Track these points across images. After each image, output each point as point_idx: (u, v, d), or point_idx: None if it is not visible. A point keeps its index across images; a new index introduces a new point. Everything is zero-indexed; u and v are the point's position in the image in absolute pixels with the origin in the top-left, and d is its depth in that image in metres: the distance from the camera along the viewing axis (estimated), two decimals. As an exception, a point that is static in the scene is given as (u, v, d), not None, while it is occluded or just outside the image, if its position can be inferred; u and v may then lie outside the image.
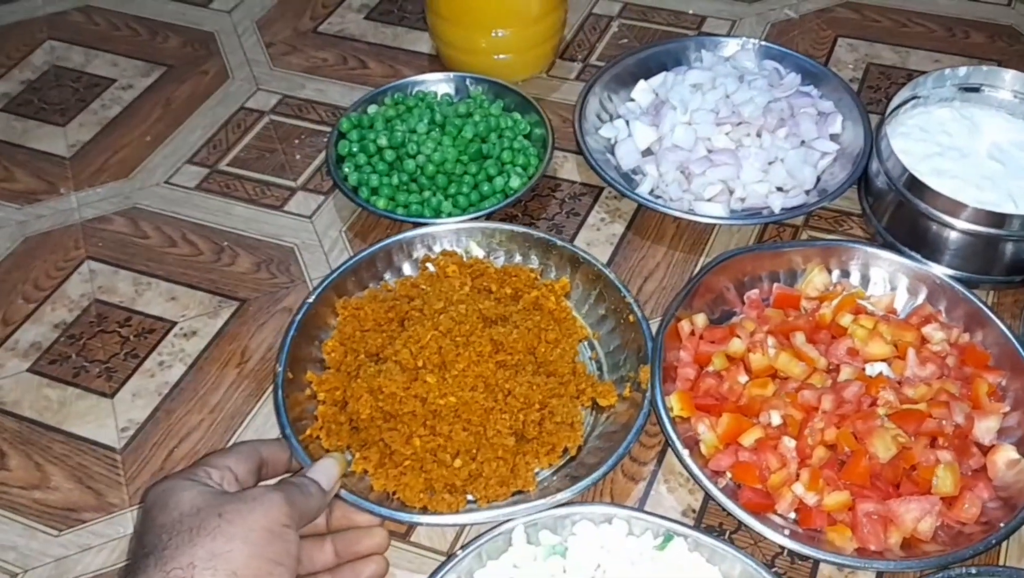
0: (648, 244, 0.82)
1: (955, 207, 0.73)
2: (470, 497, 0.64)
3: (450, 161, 0.83)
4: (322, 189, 0.87)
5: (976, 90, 0.83)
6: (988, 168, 0.78)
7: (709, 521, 0.65)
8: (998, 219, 0.72)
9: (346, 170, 0.84)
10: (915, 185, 0.75)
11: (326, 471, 0.60)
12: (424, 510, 0.63)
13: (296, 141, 0.92)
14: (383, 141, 0.84)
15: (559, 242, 0.77)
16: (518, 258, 0.78)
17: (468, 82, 0.92)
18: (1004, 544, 0.63)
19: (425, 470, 0.64)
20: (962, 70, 0.83)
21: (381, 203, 0.81)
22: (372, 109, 0.89)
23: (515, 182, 0.83)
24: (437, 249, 0.78)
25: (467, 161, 0.84)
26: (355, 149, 0.85)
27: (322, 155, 0.90)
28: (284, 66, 1.01)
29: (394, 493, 0.64)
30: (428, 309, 0.70)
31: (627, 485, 0.67)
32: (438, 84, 0.92)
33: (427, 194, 0.82)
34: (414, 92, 0.91)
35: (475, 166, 0.83)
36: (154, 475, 0.68)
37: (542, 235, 0.77)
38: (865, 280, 0.76)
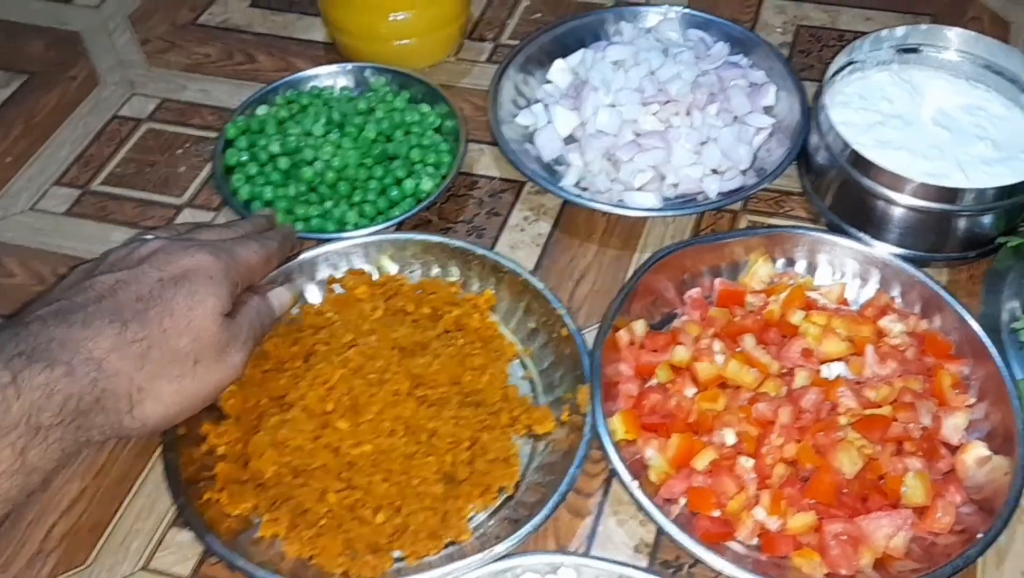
0: (578, 242, 0.75)
1: (903, 183, 0.67)
2: (397, 554, 0.57)
3: (352, 166, 0.74)
4: (211, 205, 0.78)
5: (915, 51, 0.78)
6: (934, 135, 0.73)
7: (665, 556, 0.58)
8: (950, 194, 0.67)
9: (236, 182, 0.75)
10: (859, 161, 0.69)
11: (279, 296, 0.63)
12: (345, 575, 0.56)
13: (179, 151, 0.82)
14: (275, 147, 0.75)
15: (479, 251, 0.69)
16: (436, 271, 0.70)
17: (368, 73, 0.83)
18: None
19: (344, 529, 0.56)
20: (900, 30, 0.77)
21: (277, 218, 0.72)
22: (262, 110, 0.80)
23: (427, 184, 0.75)
24: (344, 267, 0.70)
25: (372, 164, 0.75)
26: (244, 158, 0.76)
27: (209, 166, 0.80)
28: (162, 65, 0.91)
29: (310, 558, 0.56)
30: (336, 342, 0.62)
31: (572, 522, 0.60)
32: (335, 77, 0.83)
33: (329, 205, 0.73)
34: (308, 88, 0.82)
35: (381, 169, 0.75)
36: (32, 559, 0.59)
37: (460, 244, 0.70)
38: (812, 267, 0.70)
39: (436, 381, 0.60)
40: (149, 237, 0.58)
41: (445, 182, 0.75)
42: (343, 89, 0.83)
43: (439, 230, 0.76)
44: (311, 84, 0.82)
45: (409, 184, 0.74)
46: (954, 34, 0.76)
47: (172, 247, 0.55)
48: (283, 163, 0.75)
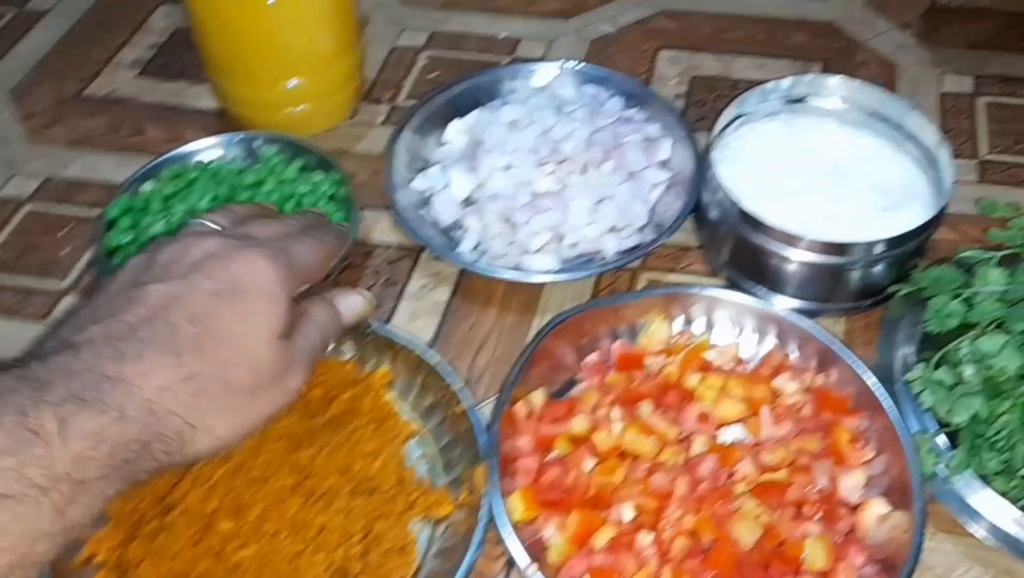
0: (478, 309, 0.74)
1: (794, 239, 0.68)
2: (290, 659, 0.54)
3: (239, 244, 0.72)
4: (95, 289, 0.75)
5: (802, 100, 0.79)
6: (823, 186, 0.73)
7: (569, 638, 0.57)
8: (840, 248, 0.67)
9: (119, 265, 0.72)
10: (749, 218, 0.69)
11: (351, 305, 0.58)
12: None
13: (61, 233, 0.79)
14: (159, 227, 0.73)
15: (372, 325, 0.67)
16: (329, 349, 0.68)
17: (258, 143, 0.81)
18: (885, 611, 0.58)
19: (232, 639, 0.54)
20: (785, 82, 0.77)
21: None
22: (147, 187, 0.78)
23: (328, 259, 0.73)
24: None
25: (260, 240, 0.73)
26: (126, 240, 0.73)
27: (93, 248, 0.77)
28: (46, 141, 0.87)
29: (196, 672, 0.54)
30: (218, 437, 0.59)
31: (474, 608, 0.58)
32: (223, 148, 0.81)
33: (217, 285, 0.71)
34: (196, 161, 0.80)
35: (270, 245, 0.73)
36: None
37: (352, 319, 0.68)
38: (710, 325, 0.69)
39: (324, 472, 0.58)
40: (205, 225, 0.53)
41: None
42: (233, 160, 0.81)
43: (335, 303, 0.74)
44: (198, 157, 0.80)
45: (300, 259, 0.72)
46: (838, 83, 0.77)
47: (227, 249, 0.50)
48: (168, 243, 0.72)
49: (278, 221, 0.57)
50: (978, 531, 0.59)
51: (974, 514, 0.59)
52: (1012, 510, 0.59)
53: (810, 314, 0.70)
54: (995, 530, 0.59)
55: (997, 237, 0.65)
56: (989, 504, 0.59)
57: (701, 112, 0.89)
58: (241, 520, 0.55)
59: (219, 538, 0.55)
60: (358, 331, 0.67)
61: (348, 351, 0.68)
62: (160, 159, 0.79)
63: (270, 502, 0.55)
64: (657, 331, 0.69)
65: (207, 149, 0.81)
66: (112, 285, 0.49)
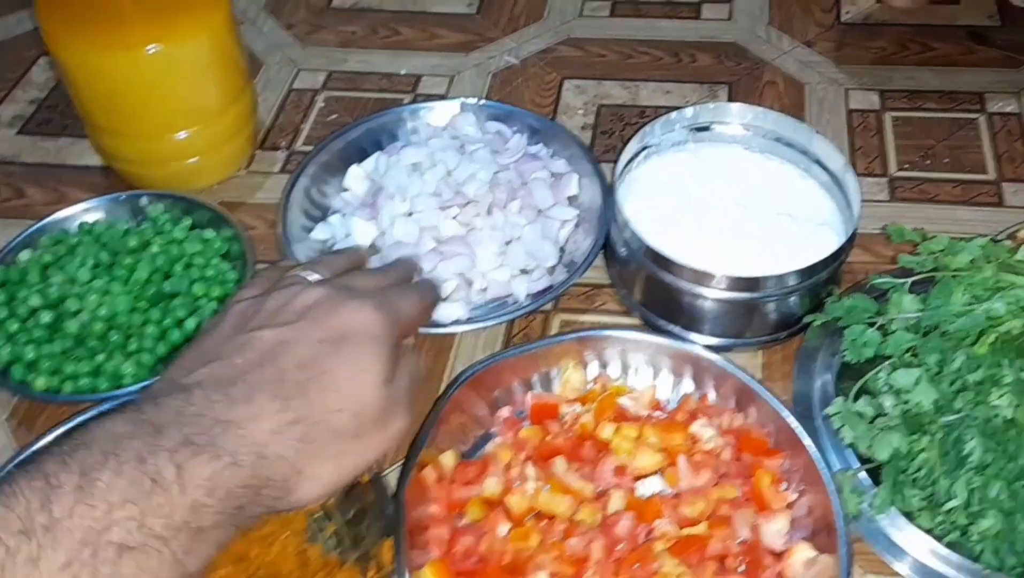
0: (384, 364, 0.70)
1: (704, 277, 0.66)
2: None
3: (122, 313, 0.67)
4: (-29, 370, 0.70)
5: (707, 128, 0.77)
6: (733, 216, 0.72)
7: None
8: (752, 283, 0.65)
9: (-5, 345, 0.67)
10: (656, 256, 0.67)
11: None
12: None
13: (-68, 311, 0.74)
14: (36, 300, 0.68)
15: (269, 394, 0.63)
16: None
17: (144, 201, 0.77)
18: (817, 662, 0.55)
19: None
20: (689, 111, 0.76)
21: (40, 382, 0.65)
22: (25, 256, 0.73)
23: (212, 322, 0.69)
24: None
25: (147, 307, 0.69)
26: (3, 314, 0.68)
27: (-32, 324, 0.72)
28: (-83, 213, 0.82)
29: None
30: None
31: None
32: (107, 209, 0.76)
33: (101, 358, 0.66)
34: (78, 225, 0.75)
35: (158, 312, 0.69)
36: None
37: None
38: (625, 368, 0.67)
39: (216, 564, 0.53)
40: (309, 277, 0.53)
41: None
42: (118, 221, 0.76)
43: (233, 368, 0.70)
44: (80, 220, 0.75)
45: (191, 323, 0.68)
46: (742, 109, 0.76)
47: (334, 298, 0.50)
48: (46, 317, 0.67)
49: (375, 274, 0.57)
50: (903, 569, 0.58)
51: (900, 553, 0.58)
52: (937, 546, 0.57)
53: (727, 350, 0.68)
54: (921, 568, 0.57)
55: (907, 263, 0.64)
56: (914, 542, 0.58)
57: (610, 142, 0.87)
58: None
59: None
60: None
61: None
62: (38, 225, 0.75)
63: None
64: (572, 378, 0.66)
65: (90, 211, 0.76)
66: (217, 330, 0.50)
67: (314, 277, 0.53)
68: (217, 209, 0.76)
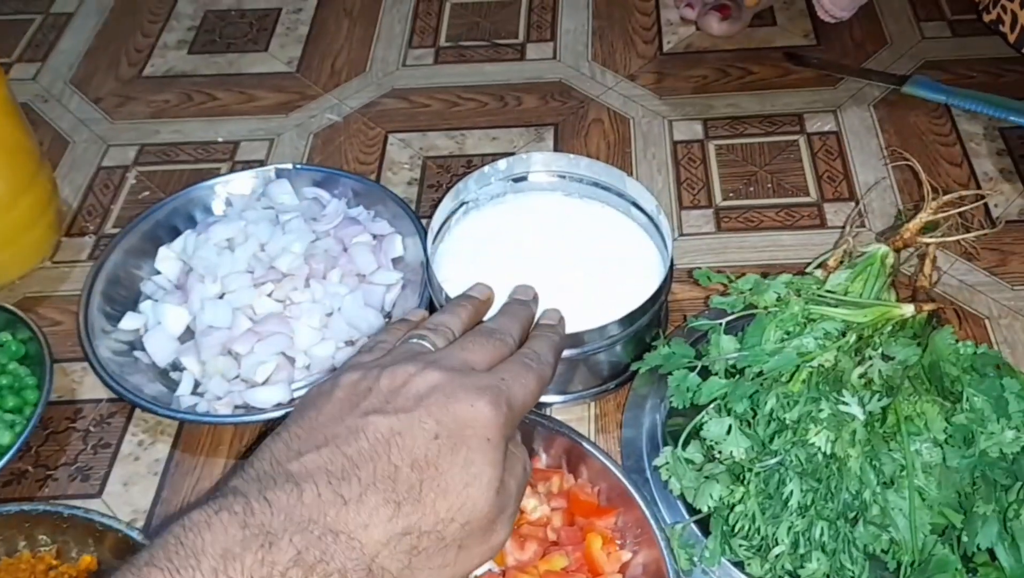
0: (202, 460, 0.66)
1: (521, 335, 0.64)
2: None
3: (-101, 441, 0.62)
4: None
5: (524, 179, 0.76)
6: (554, 266, 0.70)
7: None
8: (574, 339, 0.64)
9: None
10: (476, 318, 0.65)
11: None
12: None
13: None
14: None
15: (66, 512, 0.58)
16: (23, 544, 0.59)
17: (-70, 308, 0.71)
18: None
19: None
20: (502, 163, 0.74)
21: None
22: None
23: (5, 437, 0.64)
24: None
25: (-69, 428, 0.63)
26: None
27: None
28: None
29: None
30: None
31: None
32: None
33: None
34: None
35: (-56, 431, 0.63)
36: None
37: (44, 508, 0.59)
38: (455, 437, 0.65)
39: None
40: (428, 343, 0.51)
41: (28, 428, 0.64)
42: (-98, 332, 0.70)
43: (36, 481, 0.65)
44: None
45: (-12, 439, 0.63)
46: (554, 158, 0.75)
47: (451, 386, 0.47)
48: None
49: (495, 340, 0.53)
50: (743, 620, 0.57)
51: (736, 604, 0.57)
52: (771, 593, 0.56)
53: (560, 408, 0.66)
54: (757, 617, 0.57)
55: (719, 305, 0.64)
56: (750, 588, 0.57)
57: (437, 196, 0.84)
58: None
59: None
60: (53, 517, 0.59)
61: (46, 543, 0.59)
62: None
63: None
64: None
65: None
66: (328, 405, 0.47)
67: (435, 343, 0.51)
68: (11, 309, 0.70)
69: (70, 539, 0.59)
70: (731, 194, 0.84)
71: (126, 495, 0.64)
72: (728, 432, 0.56)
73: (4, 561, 0.58)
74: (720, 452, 0.56)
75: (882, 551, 0.56)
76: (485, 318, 0.58)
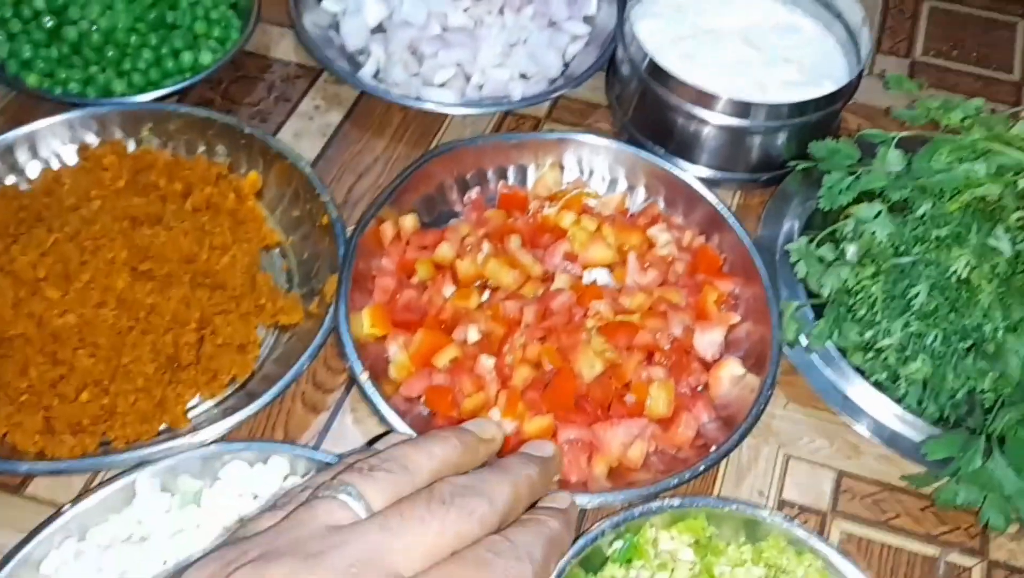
0: (368, 136, 0.71)
1: (699, 96, 0.65)
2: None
3: (122, 29, 0.68)
4: (-30, 63, 0.71)
5: (738, -32, 0.75)
6: (742, 54, 0.70)
7: (398, 455, 0.56)
8: (743, 108, 0.65)
9: (-6, 39, 0.68)
10: (656, 72, 0.66)
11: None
12: (41, 455, 0.51)
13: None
14: (40, 3, 0.68)
15: (247, 130, 0.64)
16: (202, 149, 0.65)
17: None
18: (722, 468, 0.57)
19: (45, 407, 0.52)
20: (720, -56, 0.74)
21: (32, 79, 0.66)
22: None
23: (206, 57, 0.69)
24: (102, 136, 0.64)
25: (146, 31, 0.69)
26: (7, 14, 0.69)
27: (-27, 21, 0.73)
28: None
29: (4, 436, 0.52)
30: (58, 207, 0.56)
31: (305, 417, 0.57)
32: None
33: (94, 70, 0.67)
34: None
35: (156, 37, 0.69)
36: None
37: (228, 120, 0.64)
38: (603, 179, 0.67)
39: (164, 255, 0.55)
40: (346, 512, 0.34)
41: (224, 58, 0.69)
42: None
43: (221, 110, 0.71)
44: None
45: (187, 57, 0.69)
46: (773, -49, 0.74)
47: (495, 565, 0.34)
48: (47, 21, 0.68)
49: (461, 512, 0.35)
50: (830, 405, 0.58)
51: (829, 389, 0.59)
52: (867, 386, 0.58)
53: (707, 183, 0.68)
54: (845, 403, 0.58)
55: (901, 116, 0.63)
56: (844, 378, 0.59)
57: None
58: (67, 289, 0.53)
59: (43, 305, 0.52)
60: (235, 130, 0.64)
61: (221, 154, 0.65)
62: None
63: (98, 273, 0.53)
64: (547, 176, 0.66)
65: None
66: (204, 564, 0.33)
67: (367, 502, 0.34)
68: (233, -41, 0.75)
69: (243, 156, 0.65)
70: (932, 52, 0.82)
71: (296, 144, 0.69)
72: (877, 215, 0.56)
73: (183, 158, 0.64)
74: (861, 235, 0.57)
75: (981, 391, 0.57)
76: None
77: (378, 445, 0.40)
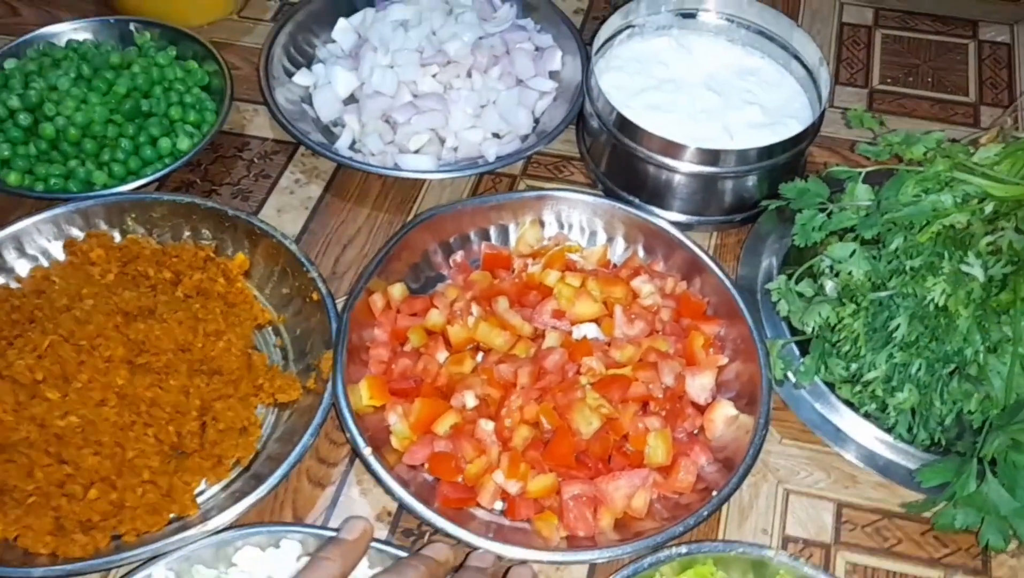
0: (349, 206, 0.72)
1: (669, 147, 0.67)
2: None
3: (98, 122, 0.69)
4: (-51, 165, 0.72)
5: (693, 16, 0.77)
6: (705, 100, 0.73)
7: (406, 524, 0.56)
8: (712, 156, 0.67)
9: (-27, 143, 0.69)
10: (625, 125, 0.68)
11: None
12: (53, 556, 0.51)
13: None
14: (15, 102, 0.69)
15: (231, 212, 0.65)
16: (187, 234, 0.66)
17: (133, 27, 0.78)
18: (724, 509, 0.58)
19: (54, 507, 0.52)
20: (675, -5, 0.76)
21: (12, 178, 0.67)
22: (10, 64, 0.74)
23: (184, 143, 0.70)
24: (85, 230, 0.65)
25: (122, 121, 0.70)
26: (-18, 113, 0.70)
27: (-50, 123, 0.74)
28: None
29: (15, 539, 0.52)
30: (51, 308, 0.57)
31: (313, 493, 0.57)
32: (97, 31, 0.77)
33: (73, 164, 0.68)
34: (66, 43, 0.76)
35: (133, 127, 0.70)
36: None
37: (211, 205, 0.65)
38: (582, 231, 0.69)
39: (159, 347, 0.56)
40: None
41: (203, 141, 0.70)
42: (105, 44, 0.77)
43: (202, 193, 0.72)
44: (68, 38, 0.76)
45: (165, 143, 0.70)
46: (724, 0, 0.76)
47: None
48: (23, 119, 0.69)
49: None
50: (823, 438, 0.60)
51: (820, 420, 0.60)
52: (856, 418, 0.59)
53: (683, 227, 0.69)
54: (837, 434, 0.60)
55: (865, 152, 0.65)
56: (834, 411, 0.60)
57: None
58: (66, 390, 0.53)
59: (44, 407, 0.53)
60: (219, 214, 0.65)
61: (207, 237, 0.66)
62: (27, 37, 0.76)
63: (96, 372, 0.54)
64: (528, 234, 0.68)
65: (78, 30, 0.77)
66: None
67: None
68: (204, 43, 0.76)
69: (228, 238, 0.66)
70: (889, 80, 0.85)
71: (278, 219, 0.70)
72: (851, 254, 0.58)
73: (170, 245, 0.65)
74: (838, 273, 0.58)
75: (968, 412, 0.58)
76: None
77: None
